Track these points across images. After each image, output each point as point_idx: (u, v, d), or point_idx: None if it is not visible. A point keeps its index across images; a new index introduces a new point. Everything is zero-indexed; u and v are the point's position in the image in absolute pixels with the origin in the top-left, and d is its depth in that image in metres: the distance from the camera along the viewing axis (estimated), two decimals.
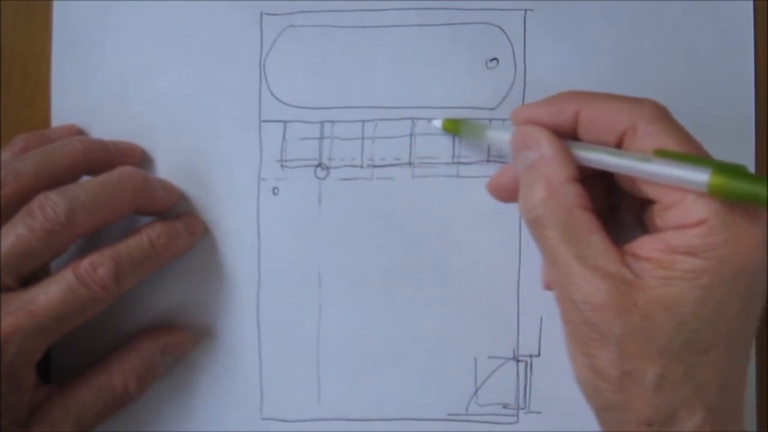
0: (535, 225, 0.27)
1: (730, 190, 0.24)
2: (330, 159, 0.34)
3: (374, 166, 0.34)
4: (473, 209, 0.34)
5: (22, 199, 0.30)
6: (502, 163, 0.34)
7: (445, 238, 0.34)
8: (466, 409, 0.34)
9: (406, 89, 0.34)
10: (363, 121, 0.34)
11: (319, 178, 0.34)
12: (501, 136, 0.31)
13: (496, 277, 0.34)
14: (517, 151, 0.29)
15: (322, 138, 0.34)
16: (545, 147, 0.28)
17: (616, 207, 0.30)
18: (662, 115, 0.27)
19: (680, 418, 0.25)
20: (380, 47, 0.34)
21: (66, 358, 0.34)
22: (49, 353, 0.33)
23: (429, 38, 0.34)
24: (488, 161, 0.34)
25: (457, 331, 0.34)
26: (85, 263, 0.29)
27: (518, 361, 0.34)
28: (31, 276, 0.30)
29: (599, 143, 0.28)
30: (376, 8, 0.34)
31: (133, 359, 0.32)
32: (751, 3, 0.33)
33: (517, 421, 0.33)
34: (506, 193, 0.30)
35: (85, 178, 0.32)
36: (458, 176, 0.34)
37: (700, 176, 0.24)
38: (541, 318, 0.33)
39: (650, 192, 0.27)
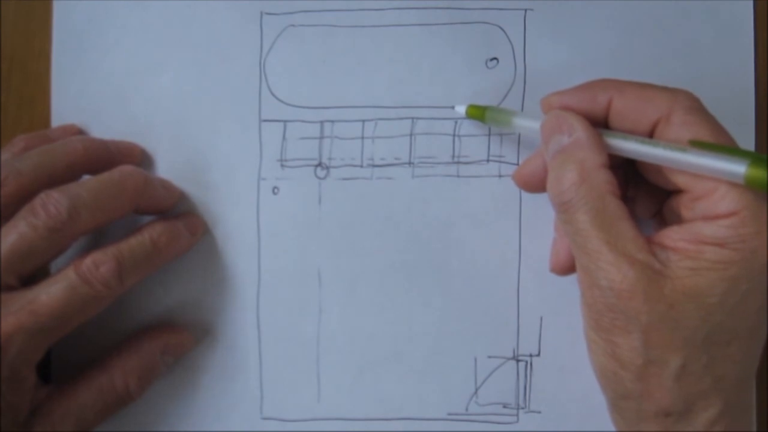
0: (566, 208, 0.27)
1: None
2: (330, 159, 0.34)
3: (374, 166, 0.34)
4: (473, 209, 0.34)
5: (23, 198, 0.29)
6: (502, 163, 0.34)
7: (445, 238, 0.34)
8: (466, 409, 0.34)
9: (406, 89, 0.34)
10: (363, 120, 0.34)
11: (319, 178, 0.34)
12: (529, 123, 0.30)
13: (496, 277, 0.34)
14: (547, 137, 0.29)
15: (322, 137, 0.34)
16: (579, 131, 0.27)
17: (631, 200, 0.30)
18: (697, 105, 0.27)
19: (697, 409, 0.25)
20: (380, 47, 0.34)
21: (66, 358, 0.33)
22: (49, 353, 0.33)
23: (429, 38, 0.34)
24: (488, 161, 0.34)
25: (457, 330, 0.34)
26: (88, 261, 0.29)
27: (518, 360, 0.33)
28: (32, 276, 0.30)
29: (630, 132, 0.28)
30: (376, 8, 0.34)
31: (133, 359, 0.32)
32: (751, 3, 0.33)
33: (517, 421, 0.33)
34: (533, 182, 0.30)
35: (86, 178, 0.32)
36: (458, 176, 0.34)
37: (737, 167, 0.24)
38: (541, 318, 0.33)
39: (680, 182, 0.26)
